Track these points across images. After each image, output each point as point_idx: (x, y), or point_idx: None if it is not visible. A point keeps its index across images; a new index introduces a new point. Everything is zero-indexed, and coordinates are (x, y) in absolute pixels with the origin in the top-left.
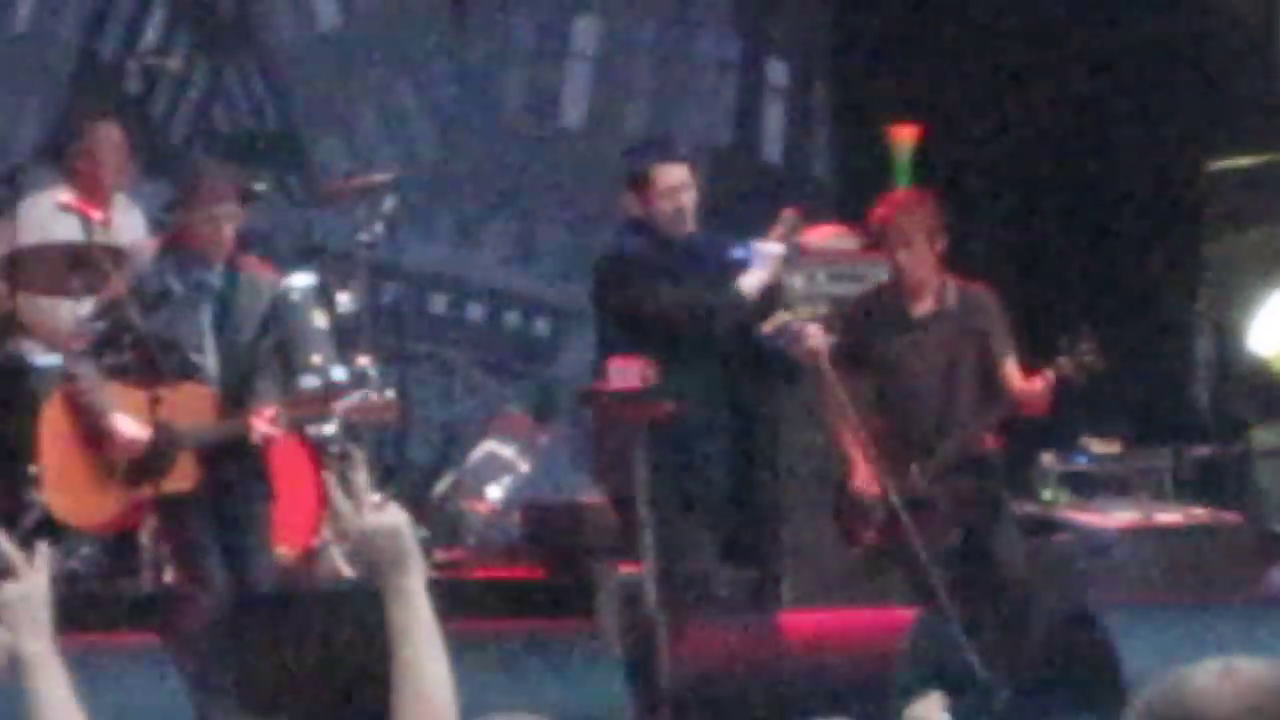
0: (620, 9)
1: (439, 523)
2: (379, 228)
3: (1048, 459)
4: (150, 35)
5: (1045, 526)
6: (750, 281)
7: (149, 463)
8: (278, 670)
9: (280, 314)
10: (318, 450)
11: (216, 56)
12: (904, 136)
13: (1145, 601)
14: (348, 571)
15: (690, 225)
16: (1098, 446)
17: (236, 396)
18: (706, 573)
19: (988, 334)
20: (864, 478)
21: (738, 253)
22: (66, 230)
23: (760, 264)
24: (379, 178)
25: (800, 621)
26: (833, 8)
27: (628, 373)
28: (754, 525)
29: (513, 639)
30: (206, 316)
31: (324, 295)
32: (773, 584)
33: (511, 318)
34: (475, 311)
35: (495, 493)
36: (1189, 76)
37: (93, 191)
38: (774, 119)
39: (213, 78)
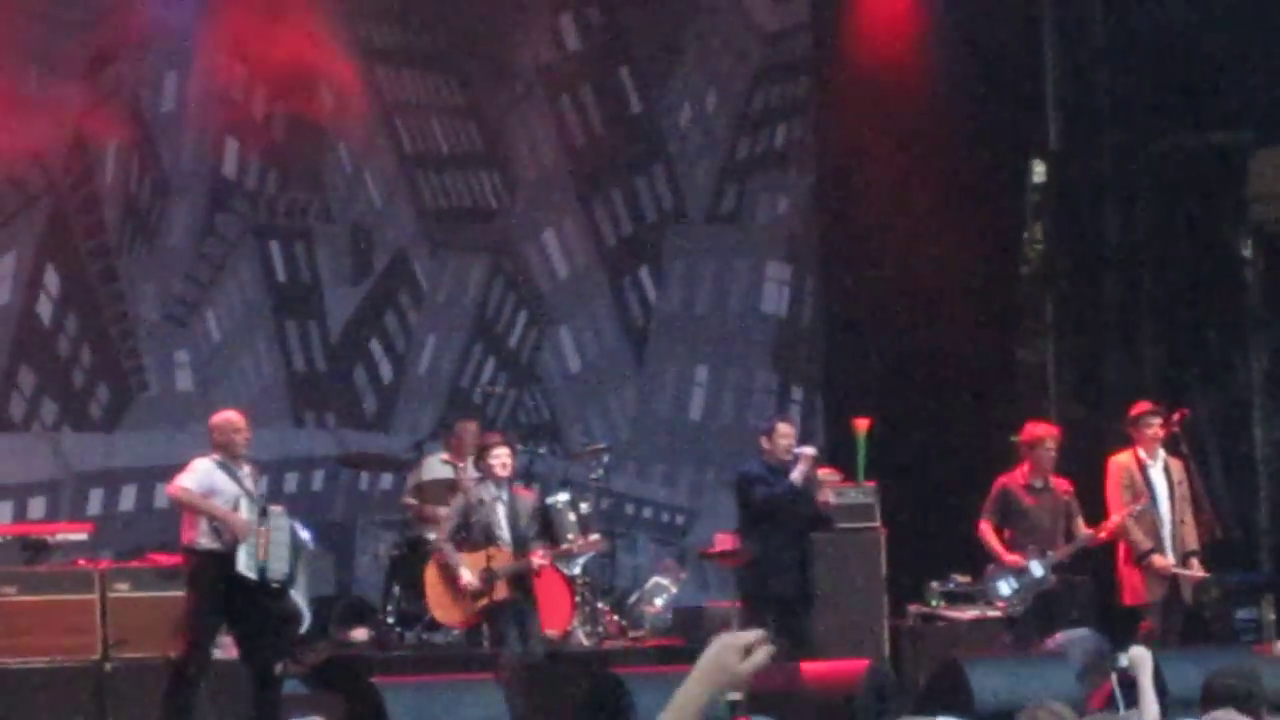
0: (721, 365)
1: (631, 618)
2: (600, 471)
3: (934, 583)
4: (487, 373)
5: (933, 619)
6: (796, 473)
7: (481, 589)
8: (555, 698)
9: (548, 515)
10: (570, 581)
11: (519, 383)
12: (861, 426)
13: (986, 656)
14: (586, 643)
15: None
16: (959, 577)
17: (520, 551)
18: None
19: (1069, 502)
20: (1011, 560)
21: (793, 450)
22: (445, 473)
23: (800, 461)
24: (599, 446)
25: (811, 667)
26: (829, 352)
27: (725, 541)
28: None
29: (670, 677)
30: (502, 514)
31: (573, 504)
32: (809, 647)
33: (665, 515)
34: (647, 512)
35: (660, 602)
36: None
37: (460, 454)
38: (795, 418)
39: (517, 395)
